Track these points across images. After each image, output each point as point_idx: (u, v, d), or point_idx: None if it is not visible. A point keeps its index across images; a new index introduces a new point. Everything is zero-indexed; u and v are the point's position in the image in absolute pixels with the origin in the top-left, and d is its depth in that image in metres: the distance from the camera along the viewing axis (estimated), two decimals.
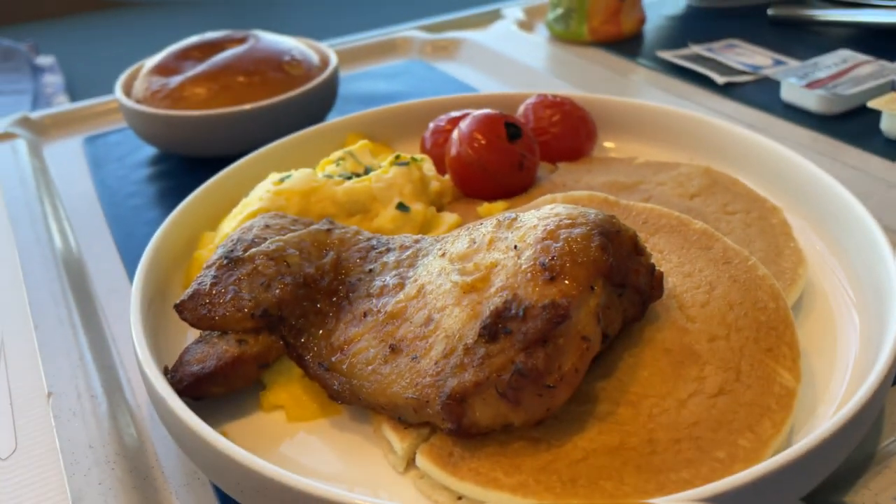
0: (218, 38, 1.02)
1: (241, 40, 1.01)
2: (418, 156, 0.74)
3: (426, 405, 0.49)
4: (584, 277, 0.47)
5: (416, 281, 0.56)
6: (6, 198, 0.91)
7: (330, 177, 0.69)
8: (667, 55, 1.18)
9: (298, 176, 0.69)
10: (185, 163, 0.98)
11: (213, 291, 0.58)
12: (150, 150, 1.01)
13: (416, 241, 0.61)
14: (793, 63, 1.10)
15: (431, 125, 0.82)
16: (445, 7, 1.54)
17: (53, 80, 2.21)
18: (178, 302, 0.58)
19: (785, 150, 0.74)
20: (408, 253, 0.59)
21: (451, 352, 0.49)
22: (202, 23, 1.14)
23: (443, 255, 0.56)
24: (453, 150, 0.75)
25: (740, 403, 0.49)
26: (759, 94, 1.05)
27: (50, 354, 0.66)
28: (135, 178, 0.96)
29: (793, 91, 0.99)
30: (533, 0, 1.45)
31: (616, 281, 0.50)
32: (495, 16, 1.42)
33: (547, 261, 0.48)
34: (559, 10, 1.28)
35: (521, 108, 0.84)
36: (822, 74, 1.00)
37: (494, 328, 0.47)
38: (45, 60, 2.29)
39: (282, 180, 0.69)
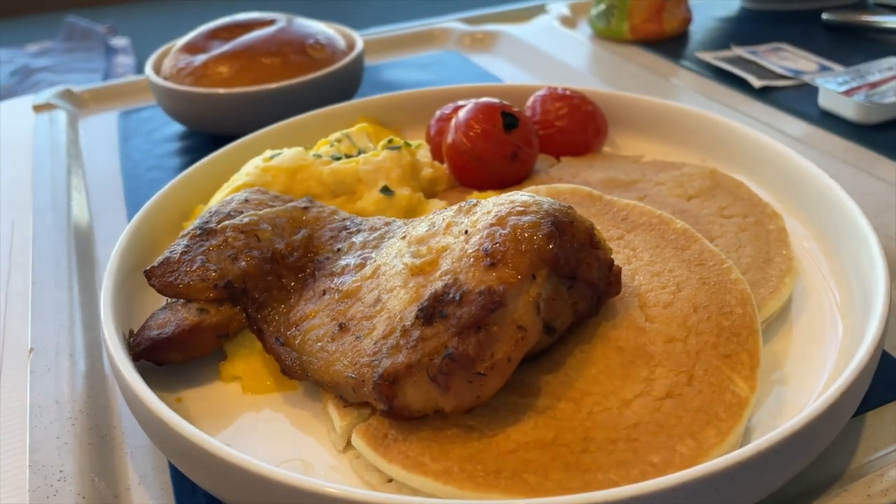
0: (247, 19, 1.04)
1: (269, 23, 1.02)
2: (413, 142, 0.74)
3: (363, 384, 0.48)
4: (525, 266, 0.46)
5: (374, 262, 0.56)
6: (35, 164, 0.95)
7: (319, 156, 0.70)
8: (706, 56, 1.14)
9: (288, 154, 0.69)
10: (209, 140, 1.00)
11: (182, 260, 0.59)
12: (177, 127, 1.04)
13: (387, 224, 0.60)
14: (839, 70, 1.05)
15: (438, 113, 0.82)
16: (496, 1, 1.53)
17: (125, 62, 2.30)
18: (147, 268, 0.60)
19: (787, 150, 0.71)
20: (376, 234, 0.59)
21: (390, 333, 0.49)
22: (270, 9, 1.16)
23: (403, 237, 0.55)
24: (449, 138, 0.74)
25: (687, 409, 0.47)
26: (797, 100, 1.00)
27: (40, 313, 0.68)
28: (158, 152, 0.99)
29: (830, 97, 0.95)
30: None
31: (564, 272, 0.48)
32: (540, 11, 1.40)
33: (490, 246, 0.47)
34: (601, 6, 1.25)
35: (530, 100, 0.82)
36: (863, 81, 0.95)
37: (431, 311, 0.47)
38: (119, 42, 2.39)
39: (272, 157, 0.70)
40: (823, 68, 1.07)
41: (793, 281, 0.60)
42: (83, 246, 0.80)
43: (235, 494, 0.46)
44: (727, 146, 0.77)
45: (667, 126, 0.83)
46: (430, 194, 0.73)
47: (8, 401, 0.60)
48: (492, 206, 0.51)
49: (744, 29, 1.27)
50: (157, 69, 1.01)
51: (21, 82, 2.06)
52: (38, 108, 1.10)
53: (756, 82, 1.04)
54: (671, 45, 1.22)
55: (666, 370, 0.50)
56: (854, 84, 0.95)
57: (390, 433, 0.49)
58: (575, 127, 0.79)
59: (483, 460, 0.46)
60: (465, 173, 0.74)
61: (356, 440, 0.49)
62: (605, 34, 1.26)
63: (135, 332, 0.58)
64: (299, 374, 0.54)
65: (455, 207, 0.54)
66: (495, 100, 0.75)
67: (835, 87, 0.94)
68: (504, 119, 0.73)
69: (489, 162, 0.72)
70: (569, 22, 1.34)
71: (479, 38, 1.28)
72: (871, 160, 0.86)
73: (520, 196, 0.51)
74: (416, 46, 1.29)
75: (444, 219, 0.54)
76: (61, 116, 1.08)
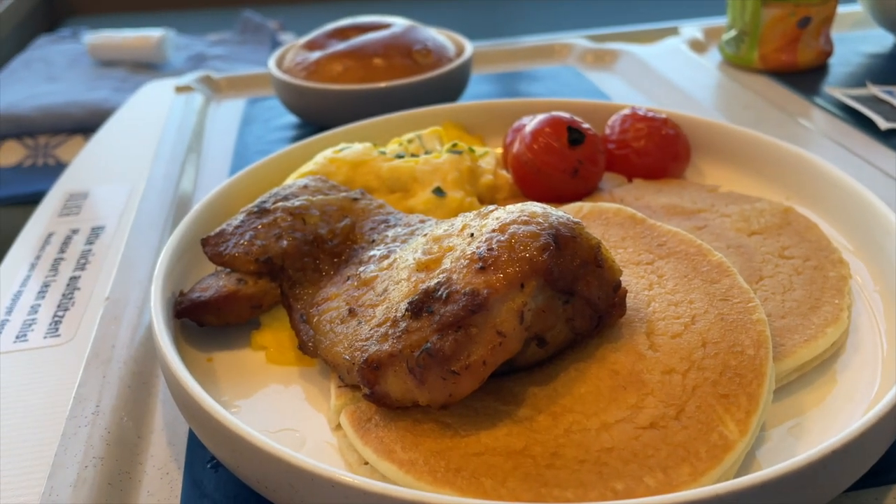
0: (367, 22, 1.09)
1: (386, 26, 1.07)
2: (480, 149, 0.75)
3: (353, 367, 0.51)
4: (514, 274, 0.47)
5: (395, 255, 0.58)
6: (162, 137, 1.05)
7: (384, 153, 0.73)
8: (836, 92, 1.07)
9: (355, 148, 0.73)
10: (317, 132, 1.06)
11: (235, 233, 0.64)
12: (291, 118, 1.11)
13: (422, 222, 0.62)
14: None
15: (515, 123, 0.83)
16: (633, 20, 1.51)
17: None
18: (204, 237, 0.65)
19: (868, 195, 0.66)
20: (407, 230, 0.61)
21: (384, 321, 0.50)
22: (437, 16, 1.23)
23: (425, 235, 0.57)
24: (515, 148, 0.75)
25: (667, 442, 0.46)
26: None
27: (125, 268, 0.76)
28: (269, 138, 1.06)
29: None
30: (717, 21, 1.38)
31: (560, 286, 0.48)
32: (672, 32, 1.36)
33: (485, 251, 0.48)
34: (733, 32, 1.20)
35: (612, 119, 0.81)
36: None
37: (420, 305, 0.48)
38: (285, 38, 2.57)
39: (341, 150, 0.74)
40: None
41: (836, 332, 0.55)
42: (180, 216, 0.87)
43: (215, 446, 0.50)
44: (808, 184, 0.73)
45: (751, 157, 0.79)
46: (489, 201, 0.74)
47: (79, 339, 0.68)
48: (502, 213, 0.51)
49: (888, 67, 1.17)
50: (280, 63, 1.09)
51: (193, 67, 2.26)
52: (178, 90, 1.22)
53: (883, 123, 0.96)
54: (803, 77, 1.15)
55: (656, 400, 0.48)
56: None
57: (374, 418, 0.51)
58: (652, 149, 0.78)
59: (448, 457, 0.47)
60: (525, 184, 0.74)
61: (343, 420, 0.52)
62: (734, 61, 1.21)
63: (184, 292, 0.64)
64: (312, 351, 0.57)
65: (476, 211, 0.55)
66: (566, 114, 0.75)
67: None
68: (570, 134, 0.72)
69: (549, 175, 0.72)
70: (698, 46, 1.29)
71: (599, 56, 1.27)
72: None
73: (531, 206, 0.51)
74: (535, 59, 1.30)
75: (462, 221, 0.55)
76: (197, 99, 1.19)
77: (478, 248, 0.48)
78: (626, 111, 0.81)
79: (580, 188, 0.73)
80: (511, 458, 0.46)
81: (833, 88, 1.09)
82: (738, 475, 0.46)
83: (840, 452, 0.43)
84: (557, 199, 0.73)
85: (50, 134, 1.89)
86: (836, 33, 1.22)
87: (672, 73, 1.18)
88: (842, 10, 1.25)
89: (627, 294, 0.54)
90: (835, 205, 0.70)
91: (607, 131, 0.80)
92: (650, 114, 0.80)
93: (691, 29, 1.35)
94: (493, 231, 0.49)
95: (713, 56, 1.27)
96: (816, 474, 0.42)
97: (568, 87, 1.17)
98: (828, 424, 0.52)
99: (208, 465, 0.54)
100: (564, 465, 0.45)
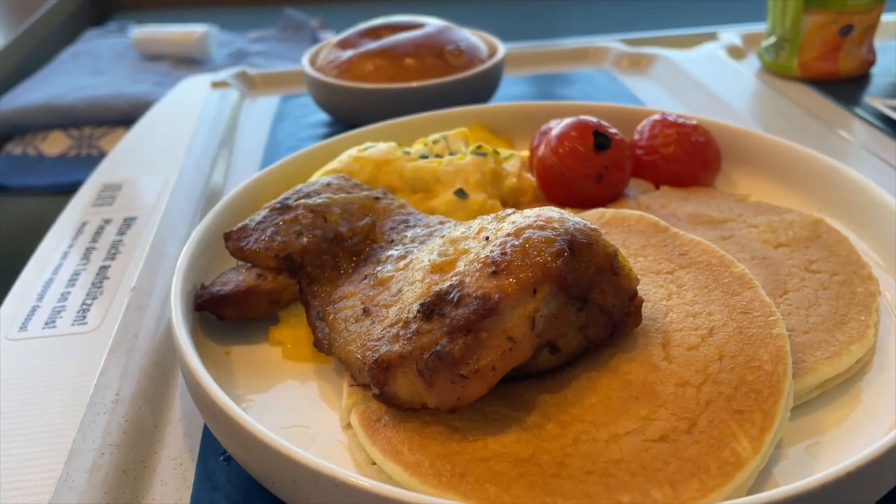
0: (400, 22, 1.09)
1: (418, 26, 1.07)
2: (506, 151, 0.75)
3: (364, 366, 0.51)
4: (526, 279, 0.46)
5: (412, 256, 0.58)
6: (195, 131, 1.07)
7: (408, 153, 0.73)
8: (877, 103, 1.04)
9: (380, 147, 0.73)
10: (347, 130, 1.07)
11: (257, 228, 0.65)
12: (323, 116, 1.12)
13: (441, 223, 0.62)
14: None
15: (543, 127, 0.82)
16: (684, 23, 1.49)
17: None
18: (227, 231, 0.66)
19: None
20: (426, 231, 0.61)
21: (396, 322, 0.50)
22: (486, 21, 1.24)
23: (443, 236, 0.57)
24: (540, 152, 0.74)
25: (677, 456, 0.45)
26: None
27: (152, 259, 0.77)
28: (300, 135, 1.07)
29: None
30: (758, 27, 1.35)
31: (574, 293, 0.48)
32: (710, 38, 1.34)
33: (498, 255, 0.47)
34: (772, 39, 1.18)
35: (641, 124, 0.80)
36: None
37: (432, 307, 0.48)
38: (326, 36, 2.59)
39: (366, 148, 0.74)
40: None
41: (860, 350, 0.54)
42: (209, 209, 0.88)
43: (224, 439, 0.50)
44: (841, 196, 0.71)
45: (783, 167, 0.77)
46: (513, 205, 0.74)
47: (105, 328, 0.69)
48: (519, 217, 0.51)
49: None
50: (313, 61, 1.10)
51: (234, 64, 2.29)
52: (214, 85, 1.23)
53: None
54: (844, 86, 1.12)
55: (668, 413, 0.47)
56: None
57: (384, 418, 0.51)
58: (680, 156, 0.76)
59: (455, 461, 0.46)
60: (549, 188, 0.74)
61: (353, 418, 0.52)
62: (773, 69, 1.18)
63: (205, 286, 0.64)
64: (326, 349, 0.57)
65: (494, 214, 0.55)
66: (593, 118, 0.74)
67: None
68: (595, 139, 0.72)
69: (573, 180, 0.71)
70: (737, 53, 1.27)
71: (635, 60, 1.26)
72: None
73: (548, 212, 0.51)
74: (569, 62, 1.29)
75: (479, 223, 0.55)
76: (232, 94, 1.21)
77: (492, 251, 0.48)
78: (656, 117, 0.80)
79: (605, 194, 0.72)
80: (517, 466, 0.46)
81: (874, 99, 1.06)
82: (751, 493, 0.45)
83: (855, 475, 0.42)
84: (581, 204, 0.72)
85: (94, 125, 1.94)
86: (879, 42, 1.19)
87: (708, 79, 1.16)
88: (886, 18, 1.22)
89: (645, 303, 0.54)
90: (867, 219, 0.68)
91: (636, 137, 0.79)
92: (680, 120, 0.78)
93: (730, 34, 1.33)
94: (508, 235, 0.49)
95: (751, 63, 1.24)
96: (830, 496, 0.41)
97: (602, 92, 1.16)
98: (848, 445, 0.50)
99: (221, 458, 0.55)
100: (570, 476, 0.45)
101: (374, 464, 0.50)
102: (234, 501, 0.51)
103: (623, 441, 0.46)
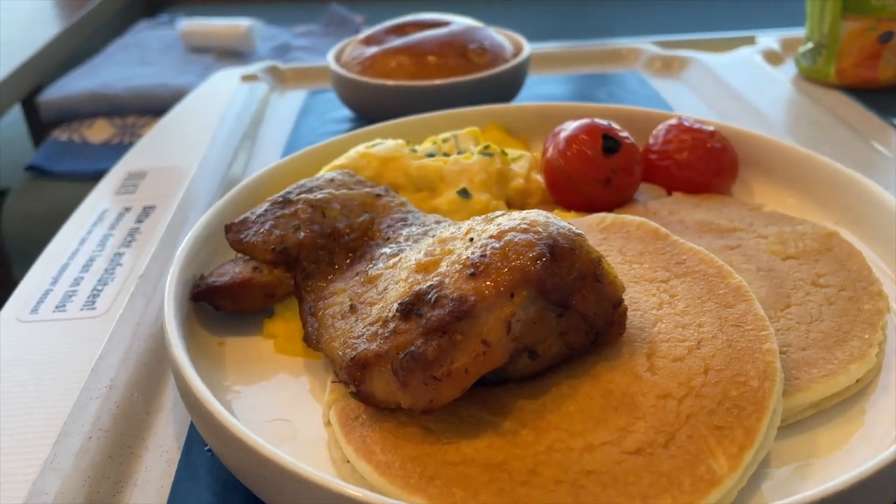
0: (426, 20, 1.09)
1: (444, 24, 1.07)
2: (514, 152, 0.74)
3: (344, 363, 0.51)
4: (504, 282, 0.45)
5: (403, 254, 0.57)
6: (220, 123, 1.08)
7: (415, 151, 0.73)
8: None
9: (387, 144, 0.73)
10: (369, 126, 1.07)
11: (257, 221, 0.65)
12: (347, 111, 1.12)
13: (437, 223, 0.62)
14: None
15: (557, 128, 0.81)
16: (722, 26, 1.46)
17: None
18: (228, 223, 0.66)
19: None
20: (421, 230, 0.61)
21: (376, 321, 0.50)
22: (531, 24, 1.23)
23: (433, 236, 0.56)
24: (548, 153, 0.73)
25: (651, 470, 0.44)
26: None
27: (162, 248, 0.78)
28: (323, 130, 1.08)
29: None
30: (798, 31, 1.31)
31: (553, 299, 0.47)
32: (747, 42, 1.31)
33: (478, 257, 0.47)
34: (810, 45, 1.14)
35: (656, 129, 0.78)
36: None
37: (410, 307, 0.48)
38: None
39: (374, 145, 0.74)
40: None
41: (860, 369, 0.52)
42: None
43: (199, 426, 0.51)
44: (858, 208, 0.68)
45: (802, 176, 0.75)
46: (520, 206, 0.73)
47: (112, 314, 0.71)
48: (505, 219, 0.50)
49: None
50: (339, 57, 1.10)
51: (278, 57, 2.32)
52: (244, 78, 1.25)
53: None
54: (882, 96, 1.08)
55: (646, 425, 0.46)
56: None
57: (361, 417, 0.50)
58: (695, 162, 0.74)
59: (425, 464, 0.46)
60: (556, 191, 0.73)
61: (332, 415, 0.52)
62: (810, 75, 1.14)
63: (204, 276, 0.65)
64: (314, 344, 0.57)
65: (485, 215, 0.54)
66: (604, 121, 0.73)
67: None
68: (605, 142, 0.70)
69: (580, 183, 0.70)
70: (774, 58, 1.23)
71: (667, 63, 1.23)
72: None
73: (534, 215, 0.50)
74: (600, 63, 1.27)
75: (469, 224, 0.54)
76: (261, 88, 1.22)
77: (472, 253, 0.48)
78: (673, 121, 0.78)
79: (613, 198, 0.71)
80: (487, 471, 0.45)
81: None
82: None
83: (847, 493, 0.40)
84: (589, 207, 0.71)
85: (138, 114, 1.99)
86: None
87: (740, 83, 1.13)
88: None
89: (634, 312, 0.52)
90: (885, 233, 0.65)
91: (651, 141, 0.77)
92: (697, 125, 0.76)
93: (768, 39, 1.29)
94: (491, 237, 0.48)
95: (789, 69, 1.20)
96: None
97: (630, 94, 1.13)
98: (840, 467, 0.48)
99: (206, 448, 0.55)
100: (540, 484, 0.44)
101: (347, 461, 0.50)
102: (214, 492, 0.52)
103: (598, 452, 0.45)
